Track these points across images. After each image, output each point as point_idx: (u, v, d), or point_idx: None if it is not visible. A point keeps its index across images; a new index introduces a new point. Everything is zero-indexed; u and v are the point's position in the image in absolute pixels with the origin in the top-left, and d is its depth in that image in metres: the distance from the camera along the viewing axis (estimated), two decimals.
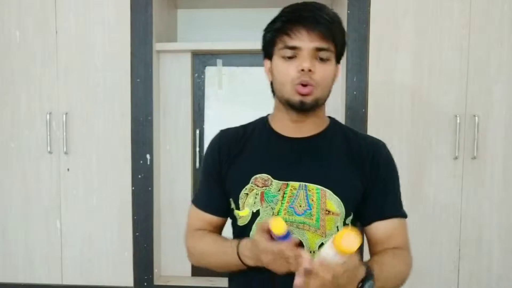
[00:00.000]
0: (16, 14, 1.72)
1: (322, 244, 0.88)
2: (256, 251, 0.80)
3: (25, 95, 1.74)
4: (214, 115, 1.84)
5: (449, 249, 1.67)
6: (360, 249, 1.03)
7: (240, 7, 2.00)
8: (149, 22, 1.69)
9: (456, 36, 1.62)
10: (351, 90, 1.65)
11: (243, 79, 1.83)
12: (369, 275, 0.79)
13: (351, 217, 0.93)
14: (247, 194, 0.91)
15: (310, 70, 0.85)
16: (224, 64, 1.82)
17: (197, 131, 1.83)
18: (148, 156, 1.72)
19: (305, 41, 0.85)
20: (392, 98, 1.65)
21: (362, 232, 0.95)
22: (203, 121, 1.84)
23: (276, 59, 0.90)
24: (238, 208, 0.93)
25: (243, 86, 1.83)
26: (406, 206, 1.69)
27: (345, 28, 1.62)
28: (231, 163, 0.95)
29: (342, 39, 0.90)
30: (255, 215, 0.90)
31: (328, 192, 0.89)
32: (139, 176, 1.72)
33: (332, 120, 1.02)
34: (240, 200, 0.92)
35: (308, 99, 0.87)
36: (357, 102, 1.65)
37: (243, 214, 0.92)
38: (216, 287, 1.74)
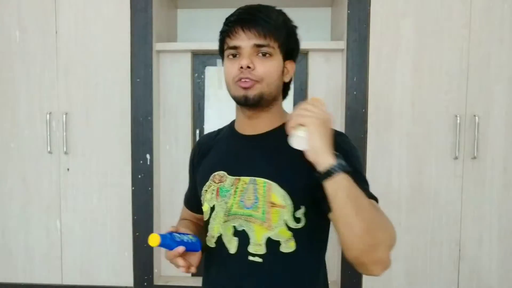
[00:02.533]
0: (16, 14, 1.72)
1: (269, 238, 0.89)
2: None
3: (25, 95, 1.74)
4: (214, 115, 1.84)
5: (449, 249, 1.67)
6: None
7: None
8: (149, 22, 1.69)
9: (456, 36, 1.62)
10: (351, 90, 1.65)
11: None
12: (338, 155, 0.79)
13: (302, 210, 0.90)
14: (206, 190, 0.97)
15: (248, 67, 0.89)
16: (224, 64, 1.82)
17: (197, 131, 1.83)
18: (148, 156, 1.72)
19: (243, 40, 0.90)
20: (392, 98, 1.65)
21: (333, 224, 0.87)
22: (203, 121, 1.84)
23: (225, 60, 0.96)
24: (202, 205, 1.00)
25: None
26: (405, 206, 1.70)
27: (345, 30, 1.62)
28: (199, 164, 1.03)
29: (286, 35, 0.93)
30: (212, 209, 0.95)
31: (274, 185, 0.90)
32: (139, 176, 1.72)
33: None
34: (202, 197, 0.98)
35: (251, 94, 0.90)
36: (357, 102, 1.65)
37: (204, 209, 0.98)
38: None
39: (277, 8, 0.96)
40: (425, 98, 1.64)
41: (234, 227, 0.91)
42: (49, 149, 1.73)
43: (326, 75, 1.77)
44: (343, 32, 1.68)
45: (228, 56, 0.94)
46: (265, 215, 0.90)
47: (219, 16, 2.17)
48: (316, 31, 1.97)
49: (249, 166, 0.94)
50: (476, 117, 1.61)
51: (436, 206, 1.66)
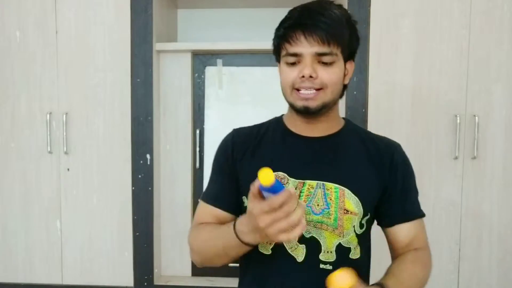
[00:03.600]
0: (16, 14, 1.72)
1: (339, 244, 0.88)
2: (252, 221, 0.72)
3: (25, 95, 1.74)
4: (214, 115, 1.84)
5: (449, 249, 1.67)
6: (378, 251, 1.03)
7: (240, 7, 2.00)
8: (149, 22, 1.69)
9: (456, 36, 1.62)
10: (351, 90, 1.65)
11: (243, 79, 1.82)
12: None
13: (368, 217, 0.92)
14: None
15: (311, 77, 0.84)
16: (224, 64, 1.82)
17: (197, 131, 1.83)
18: (148, 156, 1.72)
19: (304, 47, 0.84)
20: (392, 98, 1.65)
21: (385, 233, 0.98)
22: (203, 121, 1.84)
23: (281, 64, 0.90)
24: None
25: (243, 86, 1.83)
26: None
27: None
28: (245, 161, 0.93)
29: (349, 37, 0.88)
30: None
31: (347, 191, 0.88)
32: (139, 176, 1.72)
33: (347, 121, 1.01)
34: None
35: (313, 104, 0.86)
36: (357, 102, 1.65)
37: None
38: (216, 287, 1.74)
39: (337, 7, 0.88)
40: (425, 98, 1.64)
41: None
42: (49, 149, 1.73)
43: None
44: None
45: (286, 62, 0.87)
46: (337, 222, 0.87)
47: (219, 16, 2.19)
48: None
49: (314, 169, 0.89)
50: (476, 117, 1.61)
51: (436, 206, 1.66)
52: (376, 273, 0.93)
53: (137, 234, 1.74)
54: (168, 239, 1.84)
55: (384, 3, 1.63)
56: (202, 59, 1.83)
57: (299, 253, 0.87)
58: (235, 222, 0.81)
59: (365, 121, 1.65)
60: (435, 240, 1.66)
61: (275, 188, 0.67)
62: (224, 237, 0.82)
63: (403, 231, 0.95)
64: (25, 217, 1.77)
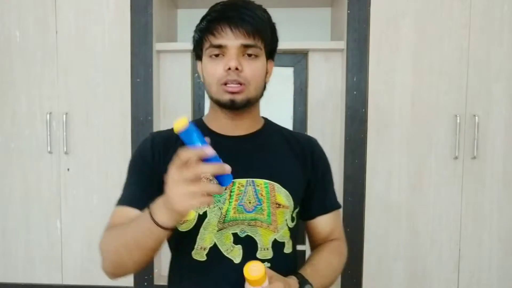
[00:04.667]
0: (16, 14, 1.72)
1: (275, 240, 0.88)
2: (165, 196, 0.66)
3: (25, 95, 1.74)
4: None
5: (449, 249, 1.67)
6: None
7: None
8: (149, 22, 1.69)
9: (456, 36, 1.62)
10: (351, 90, 1.65)
11: None
12: (302, 282, 0.82)
13: (297, 210, 0.94)
14: None
15: (237, 69, 0.83)
16: None
17: None
18: None
19: (230, 39, 0.83)
20: (392, 98, 1.65)
21: (306, 226, 1.00)
22: None
23: (205, 59, 0.88)
24: None
25: None
26: (405, 206, 1.70)
27: (345, 30, 1.62)
28: (169, 164, 0.86)
29: (271, 35, 0.89)
30: (202, 217, 0.85)
31: (277, 185, 0.88)
32: None
33: (266, 120, 1.01)
34: None
35: (239, 98, 0.85)
36: (357, 102, 1.65)
37: (187, 218, 0.85)
38: None
39: (258, 4, 0.90)
40: (425, 98, 1.64)
41: (235, 234, 0.84)
42: (49, 149, 1.73)
43: (326, 75, 1.77)
44: (343, 32, 1.68)
45: (210, 55, 0.86)
46: (271, 217, 0.87)
47: None
48: (316, 31, 1.97)
49: (243, 167, 0.87)
50: (476, 117, 1.61)
51: (436, 206, 1.66)
52: None
53: None
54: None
55: (384, 3, 1.63)
56: None
57: (236, 255, 0.84)
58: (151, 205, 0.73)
59: (365, 121, 1.65)
60: (435, 240, 1.67)
61: (190, 136, 0.64)
62: (136, 225, 0.75)
63: (322, 222, 0.97)
64: (25, 217, 1.77)
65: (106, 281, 1.75)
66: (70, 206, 1.76)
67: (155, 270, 1.76)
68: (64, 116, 1.72)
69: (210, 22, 0.85)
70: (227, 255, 0.84)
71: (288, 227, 0.91)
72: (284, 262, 0.89)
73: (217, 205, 0.85)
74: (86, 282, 1.77)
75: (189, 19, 2.05)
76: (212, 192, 0.63)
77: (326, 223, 0.98)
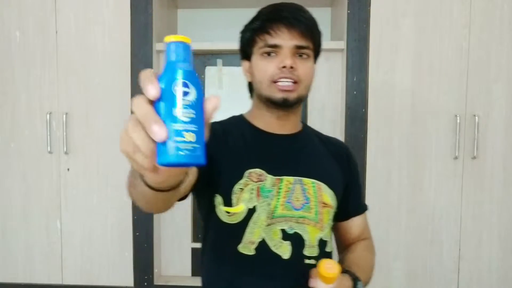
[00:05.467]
0: (16, 14, 1.72)
1: (321, 239, 0.90)
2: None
3: (25, 95, 1.74)
4: (214, 115, 1.83)
5: (449, 249, 1.67)
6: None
7: (240, 7, 2.00)
8: (149, 22, 1.69)
9: (456, 36, 1.62)
10: (351, 90, 1.65)
11: (243, 79, 1.82)
12: (356, 281, 0.85)
13: (336, 211, 0.97)
14: (241, 189, 0.85)
15: (292, 67, 0.85)
16: (224, 64, 1.82)
17: None
18: None
19: (285, 39, 0.85)
20: (392, 98, 1.65)
21: (337, 227, 1.03)
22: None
23: (256, 58, 0.89)
24: (228, 205, 0.86)
25: (243, 86, 1.82)
26: (406, 206, 1.70)
27: (345, 30, 1.62)
28: (219, 156, 0.86)
29: (319, 39, 0.92)
30: (251, 211, 0.85)
31: (323, 185, 0.91)
32: None
33: (303, 122, 1.04)
34: (233, 195, 0.85)
35: (291, 96, 0.87)
36: (357, 102, 1.65)
37: (236, 211, 0.85)
38: None
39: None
40: (425, 98, 1.64)
41: (283, 230, 0.85)
42: (49, 149, 1.73)
43: (326, 75, 1.77)
44: (343, 32, 1.68)
45: (262, 54, 0.87)
46: (318, 216, 0.89)
47: (219, 16, 2.19)
48: None
49: (291, 166, 0.90)
50: (476, 117, 1.61)
51: (436, 206, 1.66)
52: None
53: (137, 234, 1.74)
54: (168, 239, 1.84)
55: (384, 3, 1.63)
56: (202, 59, 1.83)
57: (285, 250, 0.85)
58: None
59: (365, 121, 1.65)
60: (435, 240, 1.67)
61: (182, 51, 0.45)
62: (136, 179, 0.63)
63: (356, 223, 1.02)
64: (25, 217, 1.77)
65: (106, 281, 1.77)
66: (70, 206, 1.76)
67: (155, 270, 1.76)
68: (64, 116, 1.72)
69: (265, 21, 0.87)
70: (275, 251, 0.85)
71: (330, 226, 0.95)
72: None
73: (265, 200, 0.86)
74: (86, 282, 1.77)
75: (189, 19, 2.05)
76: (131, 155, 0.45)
77: (359, 224, 1.02)
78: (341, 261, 0.96)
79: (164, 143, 0.41)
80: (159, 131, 0.40)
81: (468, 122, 1.63)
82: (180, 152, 0.41)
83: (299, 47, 0.86)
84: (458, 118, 1.62)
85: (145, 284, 1.75)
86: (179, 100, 0.42)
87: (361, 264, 0.94)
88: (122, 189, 1.72)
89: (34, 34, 1.72)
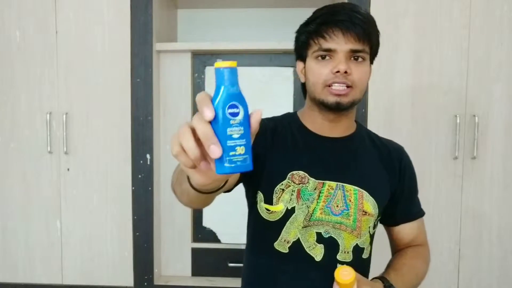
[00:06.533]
0: (16, 14, 1.72)
1: (356, 245, 0.90)
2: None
3: (25, 95, 1.74)
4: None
5: (449, 249, 1.67)
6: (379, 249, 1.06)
7: (240, 7, 2.00)
8: (149, 22, 1.69)
9: (456, 36, 1.62)
10: None
11: (243, 79, 1.81)
12: (387, 287, 0.84)
13: (379, 218, 0.96)
14: (283, 190, 0.87)
15: (346, 72, 0.84)
16: None
17: None
18: (148, 156, 1.72)
19: (340, 44, 0.84)
20: (392, 98, 1.65)
21: (388, 231, 1.04)
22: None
23: (310, 60, 0.89)
24: (269, 202, 0.89)
25: (243, 86, 1.82)
26: None
27: None
28: (265, 155, 0.89)
29: (376, 39, 0.90)
30: (290, 212, 0.87)
31: (365, 194, 0.90)
32: (139, 176, 1.72)
33: (359, 123, 1.02)
34: (274, 195, 0.88)
35: (345, 100, 0.86)
36: None
37: (276, 209, 0.88)
38: (216, 287, 1.74)
39: (365, 11, 0.91)
40: (425, 98, 1.64)
41: (319, 233, 0.87)
42: (49, 149, 1.73)
43: None
44: None
45: (316, 57, 0.87)
46: (356, 223, 0.89)
47: (219, 16, 2.19)
48: None
49: (334, 170, 0.90)
50: (476, 117, 1.61)
51: (436, 206, 1.66)
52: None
53: (137, 234, 1.74)
54: (168, 239, 1.84)
55: (384, 3, 1.63)
56: (202, 59, 1.83)
57: (318, 253, 0.87)
58: None
59: (365, 121, 1.65)
60: (435, 240, 1.66)
61: (232, 76, 0.54)
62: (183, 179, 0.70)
63: (406, 229, 1.00)
64: (25, 217, 1.77)
65: (106, 281, 1.77)
66: (70, 206, 1.76)
67: (155, 270, 1.76)
68: (64, 116, 1.72)
69: (320, 25, 0.86)
70: (308, 252, 0.87)
71: (370, 234, 0.93)
72: (361, 267, 0.90)
73: (305, 203, 0.87)
74: (86, 282, 1.77)
75: (189, 19, 2.06)
76: (184, 162, 0.51)
77: (410, 231, 1.01)
78: (387, 266, 0.96)
79: (220, 158, 0.49)
80: (216, 151, 0.48)
81: (468, 122, 1.63)
82: (233, 164, 0.49)
83: (354, 51, 0.85)
84: (458, 118, 1.62)
85: (145, 284, 1.75)
86: (231, 120, 0.50)
87: (403, 272, 0.92)
88: (122, 189, 1.73)
89: (34, 34, 1.72)
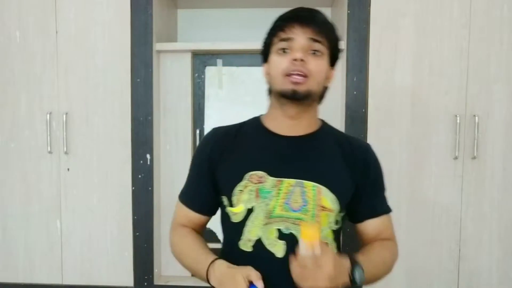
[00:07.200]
0: (16, 14, 1.72)
1: None
2: (227, 278, 0.84)
3: (25, 95, 1.74)
4: (214, 115, 1.84)
5: (449, 249, 1.67)
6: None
7: (240, 7, 2.00)
8: (149, 22, 1.69)
9: (456, 36, 1.62)
10: (351, 90, 1.65)
11: (243, 79, 1.82)
12: (354, 263, 0.85)
13: (343, 214, 0.97)
14: (241, 190, 0.91)
15: (302, 60, 0.88)
16: (224, 64, 1.82)
17: (197, 131, 1.83)
18: (148, 156, 1.72)
19: (298, 33, 0.89)
20: (392, 98, 1.65)
21: (355, 227, 1.05)
22: (203, 121, 1.84)
23: (272, 56, 0.93)
24: (231, 205, 0.93)
25: (243, 86, 1.83)
26: (406, 206, 1.70)
27: (345, 30, 1.63)
28: (223, 161, 0.96)
29: (335, 42, 0.94)
30: (250, 211, 0.91)
31: (324, 189, 0.91)
32: (139, 176, 1.72)
33: (323, 122, 1.05)
34: (234, 197, 0.92)
35: (301, 88, 0.89)
36: (357, 102, 1.65)
37: (237, 211, 0.92)
38: None
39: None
40: (425, 98, 1.64)
41: (279, 230, 0.89)
42: (49, 149, 1.73)
43: None
44: (343, 32, 1.68)
45: (277, 50, 0.91)
46: (315, 219, 0.90)
47: (219, 16, 2.19)
48: None
49: (292, 168, 0.92)
50: (476, 117, 1.61)
51: (436, 206, 1.66)
52: None
53: (137, 234, 1.74)
54: (168, 239, 1.83)
55: (384, 3, 1.63)
56: (202, 59, 1.83)
57: (279, 249, 0.89)
58: (213, 261, 0.89)
59: (365, 121, 1.65)
60: (435, 240, 1.67)
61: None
62: (198, 264, 0.92)
63: (371, 225, 1.01)
64: (25, 217, 1.77)
65: (106, 281, 1.77)
66: (70, 206, 1.76)
67: (155, 270, 1.76)
68: (64, 116, 1.72)
69: (280, 20, 0.93)
70: (270, 249, 0.90)
71: (332, 230, 0.94)
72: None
73: (264, 201, 0.90)
74: (86, 282, 1.77)
75: (189, 19, 2.06)
76: None
77: (374, 226, 1.01)
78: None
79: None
80: None
81: (468, 122, 1.63)
82: None
83: (312, 40, 0.88)
84: (458, 118, 1.62)
85: (145, 284, 1.75)
86: None
87: (372, 257, 0.93)
88: (122, 189, 1.73)
89: (34, 34, 1.72)
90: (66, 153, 1.74)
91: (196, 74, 1.84)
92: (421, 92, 1.64)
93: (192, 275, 1.00)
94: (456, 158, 1.64)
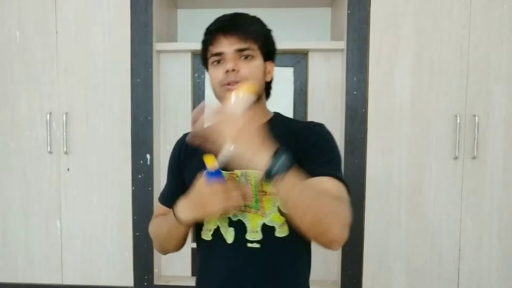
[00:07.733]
0: (16, 14, 1.72)
1: (264, 224, 0.95)
2: (194, 193, 0.90)
3: (25, 95, 1.74)
4: None
5: (449, 249, 1.67)
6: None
7: (240, 7, 2.00)
8: (149, 22, 1.69)
9: (456, 36, 1.62)
10: (351, 90, 1.65)
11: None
12: (280, 150, 0.81)
13: None
14: None
15: (233, 70, 0.94)
16: None
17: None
18: (148, 156, 1.72)
19: (225, 46, 0.95)
20: (392, 98, 1.65)
21: None
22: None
23: (209, 68, 1.01)
24: None
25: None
26: (405, 206, 1.70)
27: (345, 30, 1.62)
28: (189, 162, 1.05)
29: (264, 36, 1.00)
30: None
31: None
32: (139, 176, 1.72)
33: (276, 114, 1.09)
34: None
35: None
36: (357, 102, 1.65)
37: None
38: None
39: (252, 15, 1.04)
40: (425, 98, 1.64)
41: (229, 218, 0.96)
42: (49, 149, 1.73)
43: (326, 75, 1.77)
44: (343, 32, 1.68)
45: (212, 63, 0.98)
46: (258, 204, 0.96)
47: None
48: (316, 31, 1.97)
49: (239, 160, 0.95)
50: (476, 117, 1.61)
51: (436, 206, 1.66)
52: None
53: (137, 234, 1.74)
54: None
55: (384, 3, 1.63)
56: None
57: (229, 235, 0.96)
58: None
59: (365, 121, 1.65)
60: (435, 240, 1.67)
61: (217, 173, 0.85)
62: (167, 221, 0.98)
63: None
64: (25, 217, 1.77)
65: (106, 281, 1.77)
66: (70, 206, 1.76)
67: (155, 270, 1.76)
68: (64, 116, 1.72)
69: (208, 34, 1.00)
70: (224, 236, 0.97)
71: (281, 212, 0.96)
72: (276, 244, 0.95)
73: None
74: (86, 282, 1.77)
75: (189, 19, 2.05)
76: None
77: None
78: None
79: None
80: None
81: (468, 122, 1.63)
82: None
83: (240, 50, 0.95)
84: (458, 118, 1.62)
85: (145, 284, 1.75)
86: None
87: (308, 181, 0.86)
88: (122, 189, 1.73)
89: (34, 34, 1.72)
90: (66, 153, 1.74)
91: (196, 74, 1.84)
92: (421, 92, 1.64)
93: (169, 237, 1.03)
94: (456, 158, 1.64)
